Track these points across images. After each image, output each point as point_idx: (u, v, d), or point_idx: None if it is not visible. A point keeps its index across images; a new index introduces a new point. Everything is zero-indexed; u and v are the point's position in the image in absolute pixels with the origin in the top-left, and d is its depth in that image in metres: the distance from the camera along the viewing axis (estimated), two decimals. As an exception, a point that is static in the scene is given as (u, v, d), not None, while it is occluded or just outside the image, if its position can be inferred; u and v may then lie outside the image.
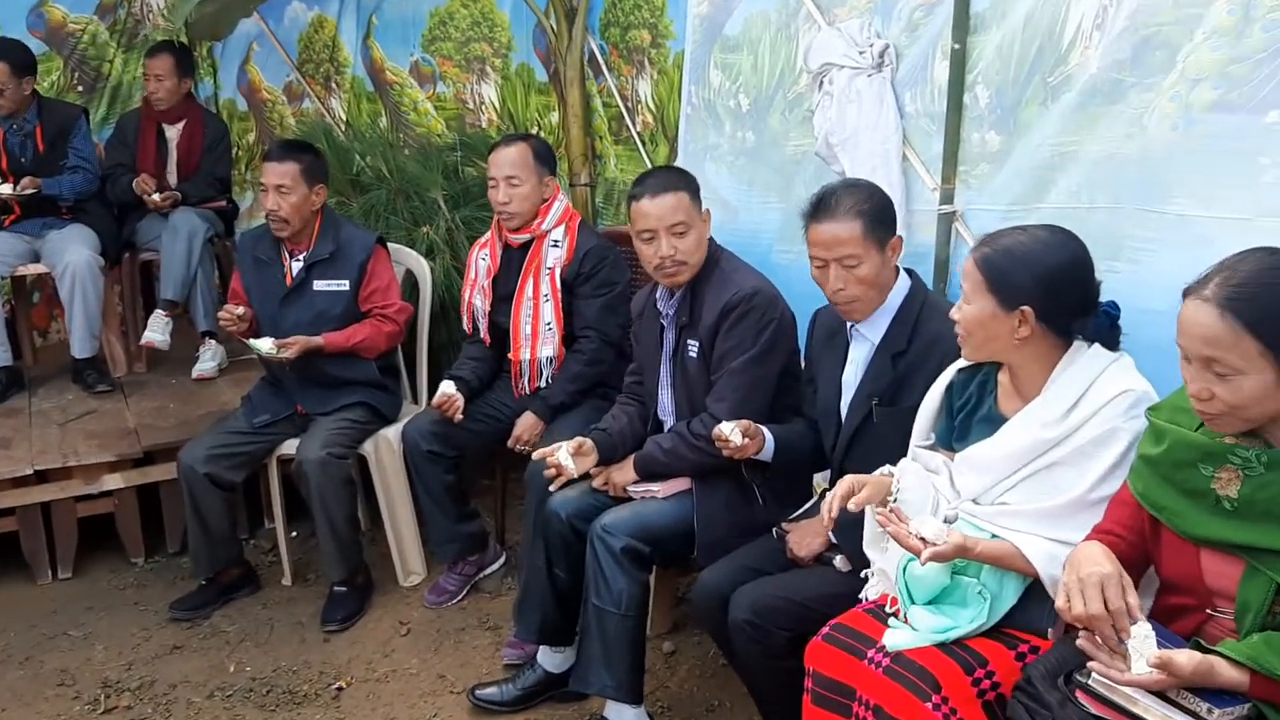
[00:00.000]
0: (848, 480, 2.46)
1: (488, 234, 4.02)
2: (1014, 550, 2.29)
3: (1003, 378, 2.47)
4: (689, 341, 3.15)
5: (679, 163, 4.27)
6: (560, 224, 3.85)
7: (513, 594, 4.01)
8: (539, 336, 3.83)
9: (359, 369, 4.02)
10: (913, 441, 2.64)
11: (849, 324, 2.84)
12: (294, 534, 4.50)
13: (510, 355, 3.90)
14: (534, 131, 4.99)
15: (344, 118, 5.82)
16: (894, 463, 2.64)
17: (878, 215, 2.71)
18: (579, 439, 3.22)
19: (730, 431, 2.79)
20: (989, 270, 2.33)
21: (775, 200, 3.92)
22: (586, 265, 3.79)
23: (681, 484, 3.15)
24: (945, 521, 2.46)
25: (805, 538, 2.84)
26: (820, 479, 3.24)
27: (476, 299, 3.99)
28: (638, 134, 4.49)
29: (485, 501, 4.52)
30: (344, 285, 3.99)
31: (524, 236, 3.85)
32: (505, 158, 3.80)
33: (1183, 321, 1.97)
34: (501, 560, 4.17)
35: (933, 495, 2.49)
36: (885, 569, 2.50)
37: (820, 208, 2.73)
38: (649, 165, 4.45)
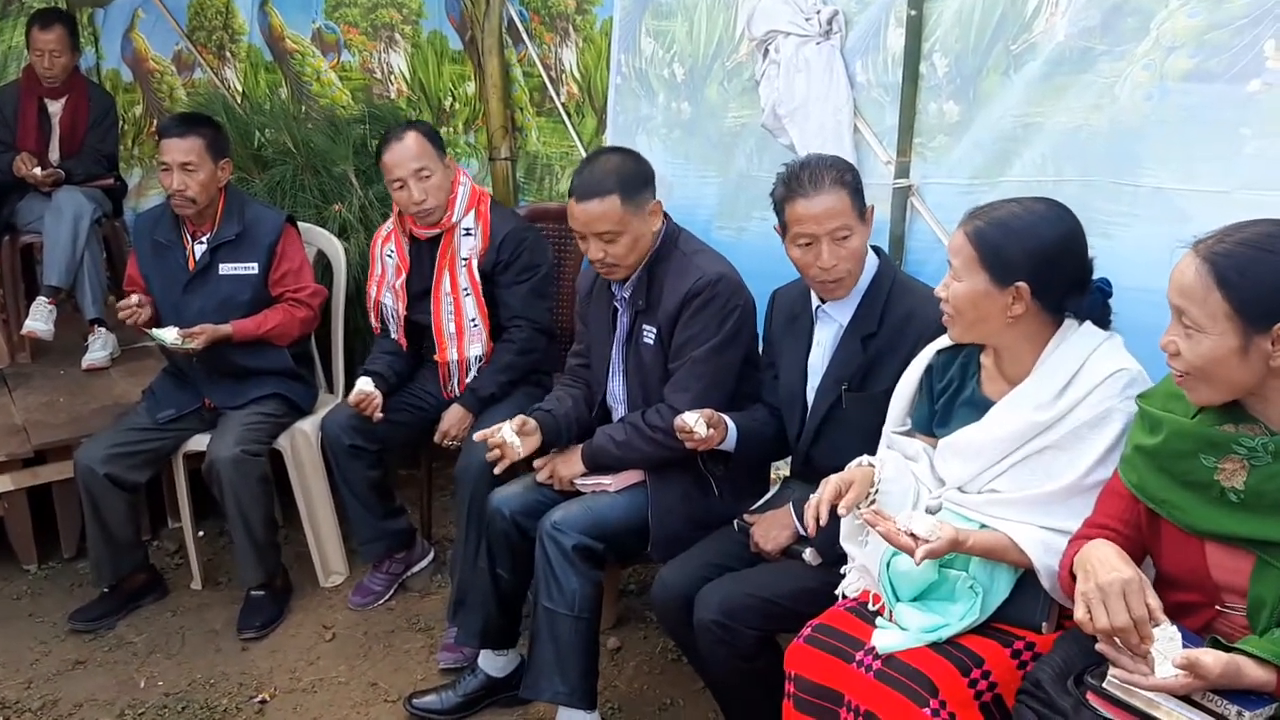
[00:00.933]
0: (832, 482, 2.30)
1: (388, 227, 3.72)
2: (1007, 541, 2.18)
3: (986, 360, 2.35)
4: (645, 327, 2.96)
5: (609, 136, 4.09)
6: (470, 209, 3.59)
7: (443, 592, 3.81)
8: (464, 334, 3.60)
9: (271, 358, 3.76)
10: (887, 427, 2.51)
11: (814, 304, 2.70)
12: (201, 533, 4.22)
13: (436, 357, 3.66)
14: (449, 104, 4.76)
15: (240, 89, 5.48)
16: (866, 451, 2.52)
17: (857, 185, 2.58)
18: (521, 417, 3.00)
19: (695, 423, 2.62)
20: (982, 244, 2.20)
21: (713, 175, 3.76)
22: (505, 252, 3.56)
23: (634, 476, 2.98)
24: (928, 512, 2.34)
25: (771, 530, 2.70)
26: (780, 467, 3.09)
27: (386, 298, 3.70)
28: (562, 105, 4.29)
29: (408, 493, 4.29)
30: (252, 268, 3.72)
31: (434, 231, 3.58)
32: (405, 152, 3.48)
33: (1172, 271, 1.90)
34: (429, 557, 3.95)
35: (913, 485, 2.37)
36: (866, 565, 2.36)
37: (802, 183, 2.56)
38: (575, 138, 4.26)
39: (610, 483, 2.98)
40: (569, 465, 3.02)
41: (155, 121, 5.66)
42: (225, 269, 3.71)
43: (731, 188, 3.71)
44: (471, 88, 4.66)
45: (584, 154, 4.22)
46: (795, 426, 2.76)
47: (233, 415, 3.67)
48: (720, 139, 3.70)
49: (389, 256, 3.67)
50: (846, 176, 2.56)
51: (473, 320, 3.59)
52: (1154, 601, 1.85)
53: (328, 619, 3.73)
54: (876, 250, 2.68)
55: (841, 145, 3.17)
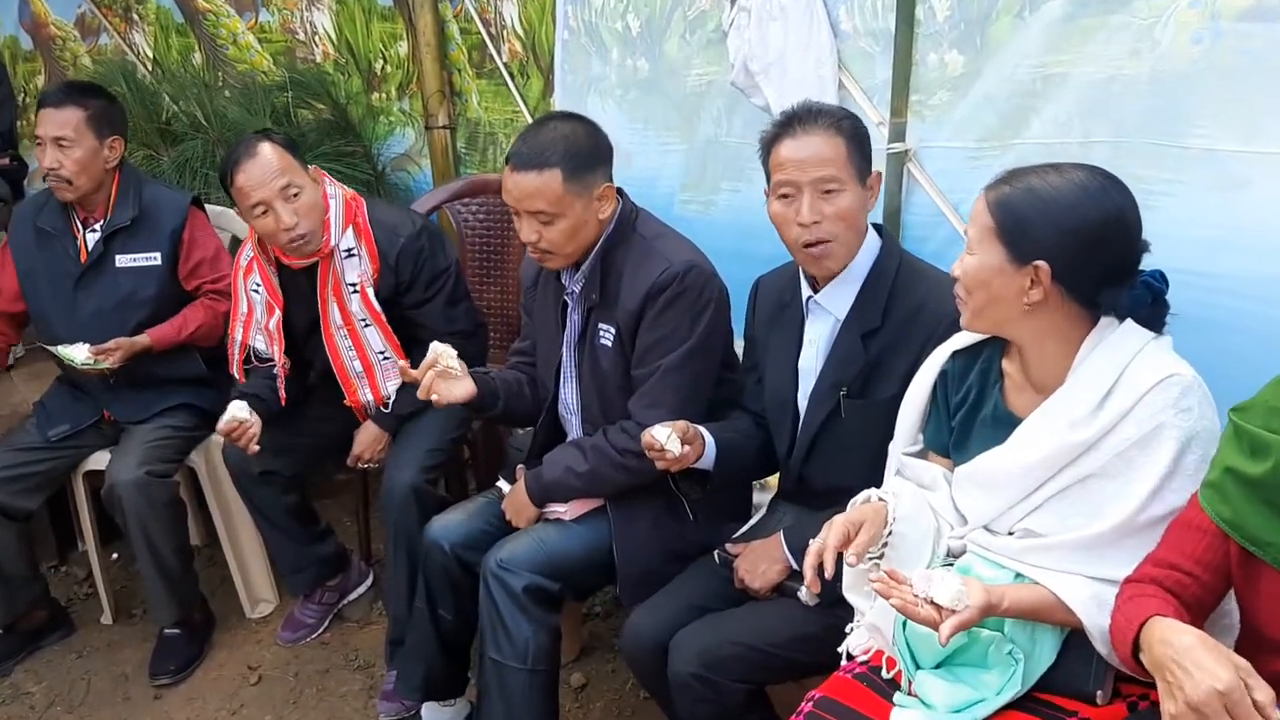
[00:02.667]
0: (839, 524, 1.87)
1: (247, 255, 3.04)
2: (1050, 597, 1.77)
3: (1009, 365, 1.93)
4: (601, 326, 2.52)
5: (557, 99, 3.63)
6: (348, 225, 2.93)
7: (384, 620, 3.37)
8: (375, 370, 3.04)
9: (181, 364, 3.30)
10: (896, 446, 2.09)
11: (805, 294, 2.26)
12: (114, 556, 3.78)
13: (347, 402, 3.11)
14: (380, 67, 4.27)
15: (150, 55, 4.96)
16: (867, 468, 2.12)
17: (860, 138, 2.14)
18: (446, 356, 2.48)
19: (667, 439, 2.18)
20: (1003, 212, 1.78)
21: (676, 141, 3.31)
22: (404, 273, 2.96)
23: (592, 501, 2.55)
24: (949, 556, 1.93)
25: (758, 564, 2.28)
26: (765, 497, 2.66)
27: (257, 340, 3.07)
28: (504, 65, 3.81)
29: (344, 502, 3.86)
30: (154, 259, 3.25)
31: (310, 260, 2.93)
32: (263, 168, 2.79)
33: None
34: (368, 582, 3.52)
35: (933, 524, 1.95)
36: (877, 623, 1.94)
37: (792, 122, 2.14)
38: (520, 103, 3.79)
39: (565, 510, 2.55)
40: (520, 510, 2.59)
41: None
42: (123, 260, 3.24)
43: (697, 155, 3.26)
44: (404, 48, 4.17)
45: (529, 118, 3.76)
46: (785, 439, 2.33)
47: (136, 431, 3.21)
48: (683, 100, 3.25)
49: (255, 292, 3.02)
50: (845, 123, 2.13)
51: (381, 353, 3.01)
52: (1262, 695, 1.43)
53: (254, 657, 3.29)
54: (879, 229, 2.25)
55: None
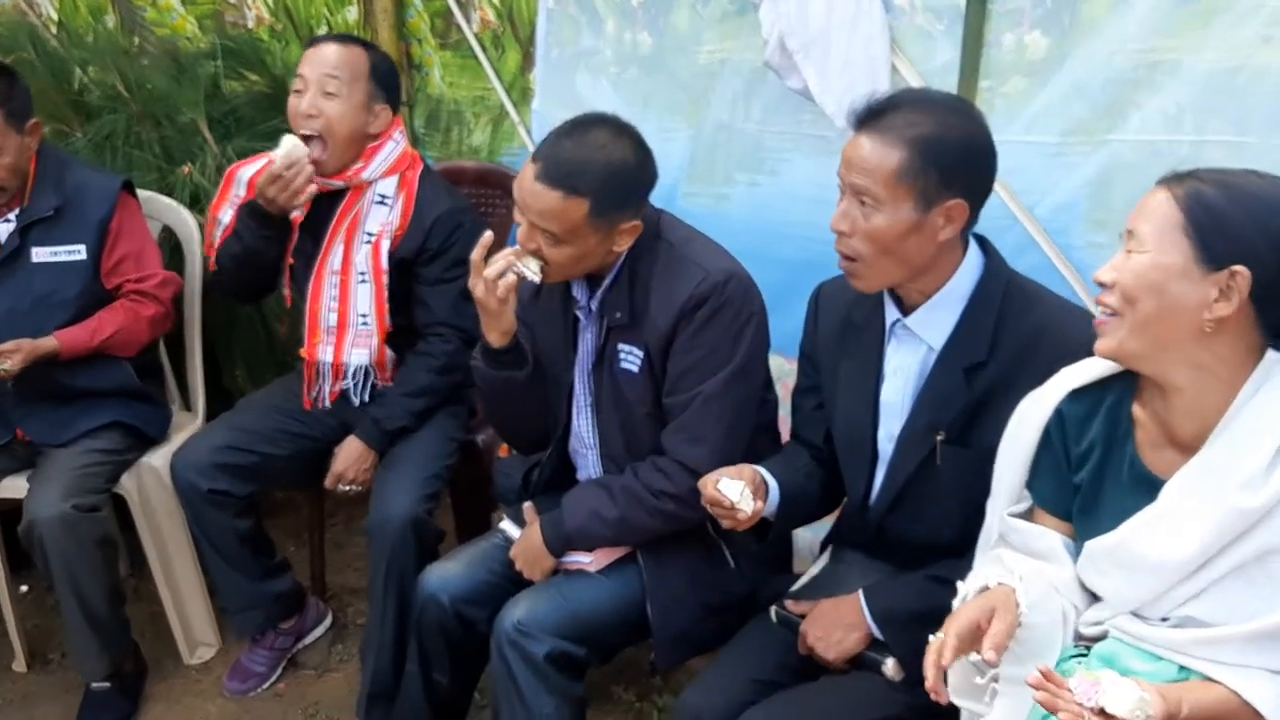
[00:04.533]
0: (966, 615, 1.54)
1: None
2: (1234, 700, 1.47)
3: (1141, 412, 1.61)
4: (624, 348, 2.16)
5: (539, 76, 3.25)
6: (392, 174, 2.73)
7: (346, 668, 2.99)
8: (347, 332, 2.73)
9: (108, 374, 2.83)
10: (995, 503, 1.76)
11: (890, 317, 1.93)
12: (24, 590, 3.29)
13: (302, 353, 2.80)
14: (324, 31, 3.82)
15: (54, 16, 4.41)
16: (963, 522, 1.83)
17: (936, 154, 1.77)
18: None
19: (739, 496, 1.82)
20: (1197, 206, 1.47)
21: (681, 126, 2.95)
22: (435, 239, 2.69)
23: (619, 549, 2.20)
24: (1079, 644, 1.62)
25: (833, 631, 1.94)
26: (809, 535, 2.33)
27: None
28: (475, 36, 3.40)
29: (287, 525, 3.43)
30: (78, 253, 2.80)
31: (335, 183, 2.71)
32: (325, 55, 2.67)
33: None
34: (326, 622, 3.10)
35: (1060, 609, 1.64)
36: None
37: (869, 114, 1.81)
38: (493, 78, 3.38)
39: (589, 561, 2.19)
40: (536, 562, 2.22)
41: (-53, 57, 4.55)
42: (41, 255, 2.78)
43: (706, 143, 2.91)
44: (353, 14, 3.72)
45: (504, 97, 3.38)
46: (860, 483, 2.00)
47: (57, 456, 2.74)
48: (692, 80, 2.90)
49: None
50: (922, 132, 1.76)
51: (362, 316, 2.73)
52: None
53: (197, 712, 2.87)
54: (981, 242, 1.91)
55: (876, 90, 2.39)
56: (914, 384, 1.92)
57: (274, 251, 2.72)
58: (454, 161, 3.39)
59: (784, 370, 2.59)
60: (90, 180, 2.85)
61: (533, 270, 2.05)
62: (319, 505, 3.14)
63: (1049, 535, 1.69)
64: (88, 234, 2.79)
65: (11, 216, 2.77)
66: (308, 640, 3.05)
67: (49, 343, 2.70)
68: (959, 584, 1.68)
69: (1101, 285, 1.55)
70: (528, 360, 2.21)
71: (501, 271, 2.06)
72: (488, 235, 2.11)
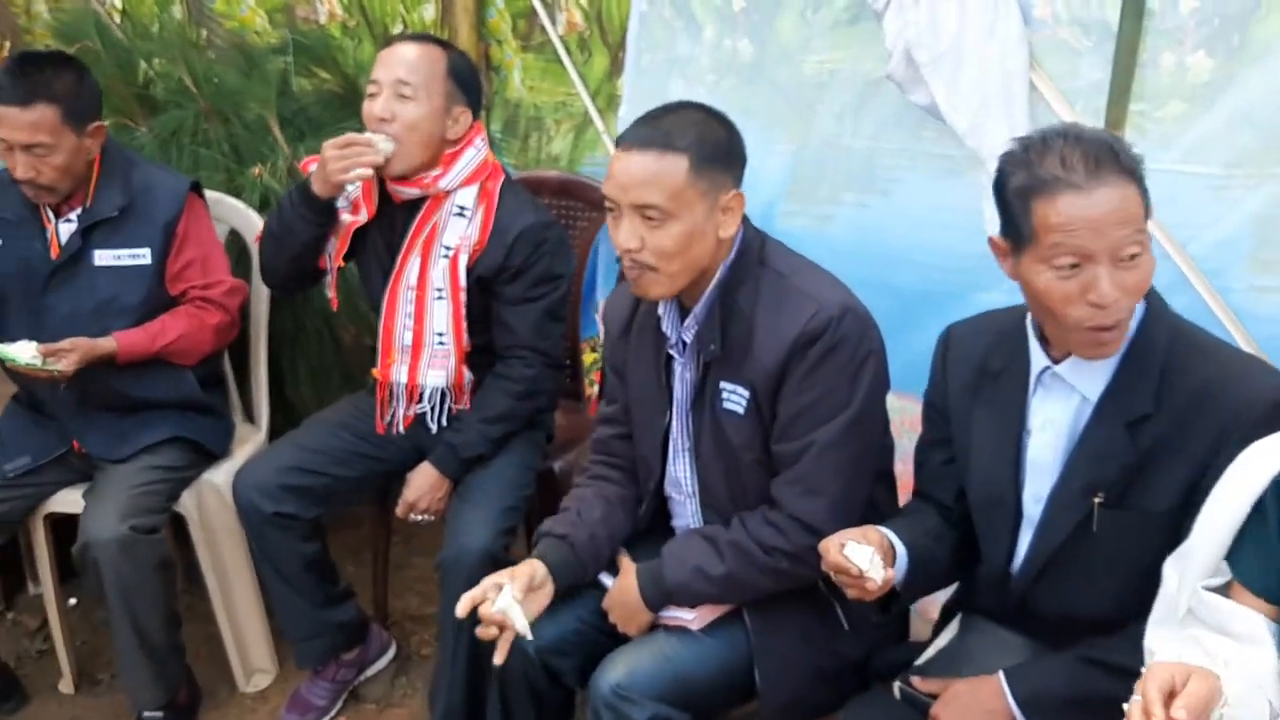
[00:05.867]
0: (1163, 672, 1.34)
1: None
2: None
3: None
4: (726, 387, 1.98)
5: (627, 83, 3.08)
6: (471, 183, 2.55)
7: (411, 703, 2.82)
8: (422, 352, 2.57)
9: (171, 384, 2.69)
10: (1189, 574, 1.56)
11: (1039, 364, 1.74)
12: (73, 602, 3.15)
13: (375, 373, 2.64)
14: (399, 32, 3.66)
15: (118, 4, 4.29)
16: (1122, 594, 1.65)
17: (1141, 175, 1.59)
18: (527, 567, 1.98)
19: (868, 564, 1.64)
20: None
21: (783, 140, 2.77)
22: (517, 256, 2.50)
23: (722, 605, 2.02)
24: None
25: (969, 716, 1.75)
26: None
27: None
28: (560, 39, 3.23)
29: (344, 542, 3.26)
30: (142, 256, 2.65)
31: (411, 191, 2.54)
32: (401, 56, 2.48)
33: None
34: (390, 653, 2.94)
35: (1265, 708, 1.43)
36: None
37: (1071, 164, 1.57)
38: (578, 84, 3.21)
39: (692, 618, 2.01)
40: (632, 617, 2.04)
41: (9, 46, 4.44)
42: (104, 258, 2.63)
43: (810, 159, 2.73)
44: (430, 12, 3.57)
45: (589, 104, 3.20)
46: (1000, 549, 1.81)
47: (115, 472, 2.60)
48: (797, 91, 2.72)
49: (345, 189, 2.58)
50: (1129, 160, 1.58)
51: (439, 335, 2.56)
52: None
53: (253, 745, 2.73)
54: (1143, 287, 1.72)
55: (1012, 110, 2.23)
56: (1065, 439, 1.73)
57: (306, 234, 2.54)
58: (534, 171, 3.22)
59: (894, 408, 2.40)
60: (157, 180, 2.71)
61: (515, 610, 1.89)
62: (384, 529, 2.98)
63: (1252, 618, 1.48)
64: (153, 237, 2.65)
65: (73, 217, 2.63)
66: (370, 672, 2.89)
67: (107, 344, 2.56)
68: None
69: None
70: (586, 569, 2.08)
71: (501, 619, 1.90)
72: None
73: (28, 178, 2.50)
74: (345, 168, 2.41)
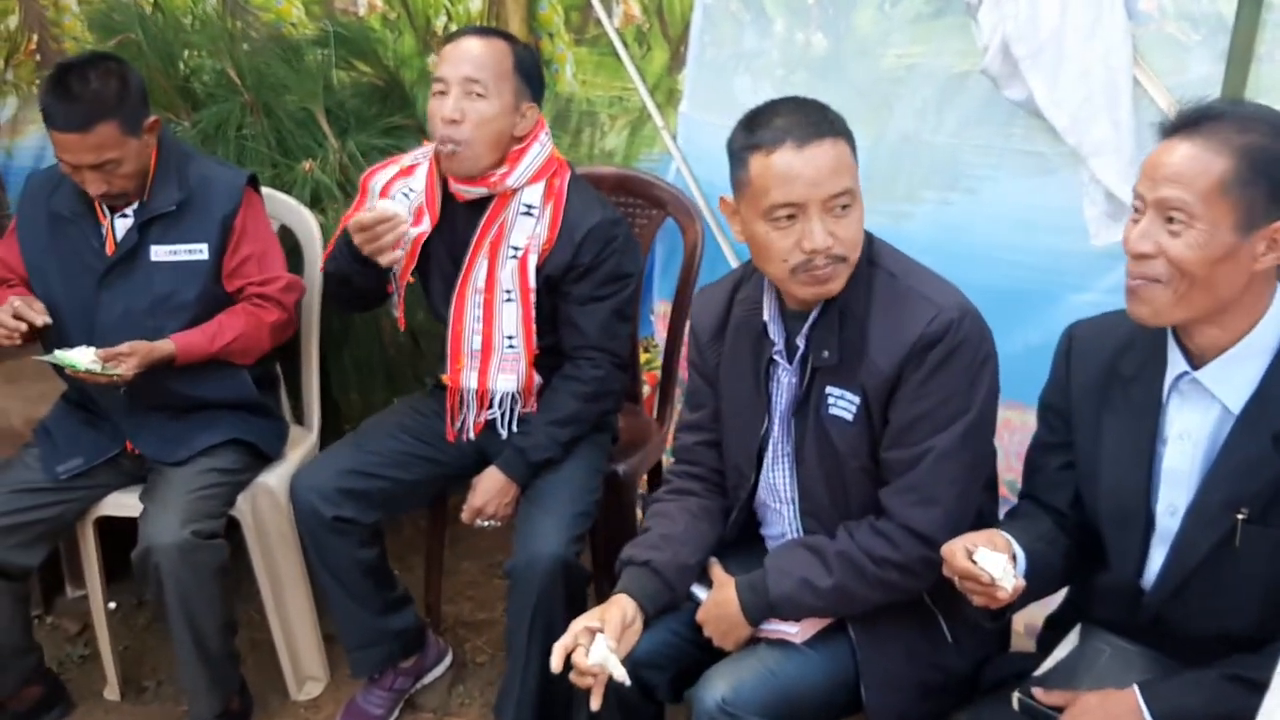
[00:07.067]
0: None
1: (413, 157, 2.57)
2: None
3: None
4: (834, 392, 1.90)
5: (688, 78, 3.00)
6: (538, 180, 2.48)
7: (467, 710, 2.78)
8: (492, 356, 2.50)
9: (227, 385, 2.62)
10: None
11: (1176, 370, 1.67)
12: (113, 606, 3.07)
13: (445, 379, 2.56)
14: (442, 24, 3.58)
15: (150, -4, 4.21)
16: (1264, 616, 1.58)
17: (1265, 165, 1.52)
18: (617, 610, 1.91)
19: (1001, 574, 1.58)
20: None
21: (859, 136, 2.66)
22: (586, 254, 2.44)
23: (824, 617, 1.95)
24: None
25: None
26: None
27: None
28: (616, 31, 3.15)
29: (390, 546, 3.18)
30: (200, 252, 2.58)
31: (476, 190, 2.47)
32: (469, 51, 2.40)
33: None
34: (447, 661, 2.86)
35: None
36: None
37: (1187, 120, 1.57)
38: (636, 78, 3.12)
39: (795, 631, 1.93)
40: (730, 631, 1.96)
41: (37, 37, 4.34)
42: (160, 253, 2.56)
43: (886, 155, 2.65)
44: (476, 3, 3.49)
45: (647, 99, 3.11)
46: (1130, 561, 1.74)
47: (172, 475, 2.52)
48: (874, 86, 2.64)
49: (406, 194, 2.50)
50: (1255, 141, 1.53)
51: (509, 339, 2.49)
52: None
53: (307, 756, 2.65)
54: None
55: (1116, 106, 2.16)
56: (1205, 450, 1.66)
57: (364, 283, 2.46)
58: (591, 167, 3.13)
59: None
60: (214, 174, 2.63)
61: (614, 661, 1.83)
62: (439, 534, 2.91)
63: None
64: (210, 232, 2.57)
65: (130, 212, 2.56)
66: (426, 680, 2.81)
67: (165, 346, 2.48)
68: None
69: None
70: (674, 591, 2.00)
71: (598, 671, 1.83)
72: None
73: (101, 192, 2.44)
74: (378, 250, 2.32)
